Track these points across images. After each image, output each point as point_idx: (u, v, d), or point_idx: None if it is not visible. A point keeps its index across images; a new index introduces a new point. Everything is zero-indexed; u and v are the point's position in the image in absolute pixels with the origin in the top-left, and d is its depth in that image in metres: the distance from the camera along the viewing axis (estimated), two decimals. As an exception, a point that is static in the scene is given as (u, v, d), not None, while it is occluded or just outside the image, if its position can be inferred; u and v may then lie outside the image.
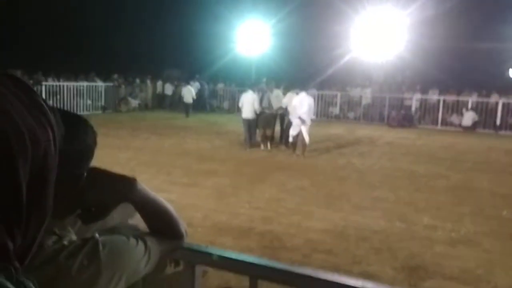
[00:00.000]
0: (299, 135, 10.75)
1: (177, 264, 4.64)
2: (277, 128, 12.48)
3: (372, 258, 4.94)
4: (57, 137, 0.61)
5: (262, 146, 11.65)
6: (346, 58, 18.03)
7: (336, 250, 5.09)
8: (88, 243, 0.90)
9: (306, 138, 10.70)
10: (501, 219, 6.31)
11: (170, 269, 4.84)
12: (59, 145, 0.62)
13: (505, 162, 10.68)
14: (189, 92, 19.14)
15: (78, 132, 0.92)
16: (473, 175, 9.09)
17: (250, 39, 20.55)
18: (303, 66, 19.78)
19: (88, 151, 0.95)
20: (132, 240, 0.99)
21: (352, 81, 20.62)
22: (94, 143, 0.97)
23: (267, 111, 11.91)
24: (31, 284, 0.51)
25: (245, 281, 3.75)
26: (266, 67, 19.97)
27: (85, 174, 0.95)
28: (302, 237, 5.47)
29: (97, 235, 0.93)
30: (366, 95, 19.57)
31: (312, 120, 11.06)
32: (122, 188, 1.00)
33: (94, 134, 0.98)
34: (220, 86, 22.97)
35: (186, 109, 19.07)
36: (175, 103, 21.98)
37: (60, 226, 0.92)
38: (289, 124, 11.24)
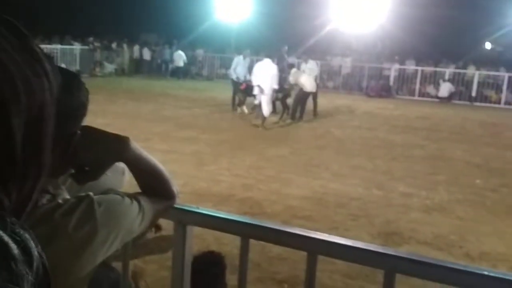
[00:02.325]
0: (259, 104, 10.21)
1: (158, 229, 4.62)
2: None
3: (349, 224, 5.06)
4: (53, 86, 0.57)
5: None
6: (328, 26, 17.88)
7: (315, 216, 5.19)
8: (83, 201, 0.89)
9: (265, 110, 10.01)
10: (474, 187, 6.52)
11: (151, 234, 4.83)
12: (57, 95, 0.59)
13: (479, 133, 10.94)
14: (180, 57, 19.90)
15: (71, 88, 0.90)
16: (448, 145, 9.30)
17: (231, 4, 20.16)
18: (285, 34, 19.54)
19: (82, 108, 0.92)
20: (127, 200, 0.99)
21: (332, 50, 20.52)
22: (87, 100, 0.95)
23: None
24: (27, 235, 0.47)
25: (225, 245, 3.79)
26: (247, 34, 19.67)
27: (79, 132, 0.93)
28: (282, 203, 5.55)
29: (91, 193, 0.92)
30: (346, 65, 19.55)
31: (276, 89, 10.42)
32: (116, 147, 0.98)
33: (87, 91, 0.95)
34: (199, 52, 22.57)
35: (178, 73, 20.08)
36: (153, 69, 21.67)
37: (54, 185, 0.91)
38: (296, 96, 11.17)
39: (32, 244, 0.47)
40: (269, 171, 6.82)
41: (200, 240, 3.92)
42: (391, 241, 4.67)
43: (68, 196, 0.93)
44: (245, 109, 11.79)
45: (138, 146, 1.04)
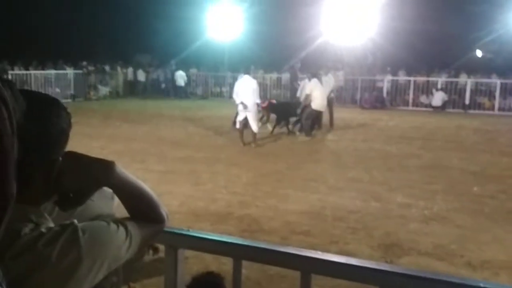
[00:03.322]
0: (246, 122, 9.93)
1: (155, 251, 4.57)
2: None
3: (349, 237, 5.02)
4: (13, 114, 0.54)
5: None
6: (319, 41, 18.03)
7: (313, 231, 5.14)
8: (67, 229, 0.87)
9: (254, 126, 9.82)
10: (471, 195, 6.50)
11: (148, 257, 4.77)
12: (19, 122, 0.56)
13: (474, 140, 10.97)
14: (181, 77, 20.86)
15: (50, 115, 0.88)
16: (443, 153, 9.31)
17: (222, 23, 20.35)
18: (276, 50, 19.72)
19: (62, 134, 0.91)
20: (113, 226, 0.97)
21: (324, 64, 20.65)
22: (69, 125, 0.94)
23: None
24: None
25: (224, 264, 3.74)
26: (239, 52, 19.82)
27: (61, 158, 0.92)
28: (279, 219, 5.50)
29: (75, 221, 0.91)
30: (339, 78, 19.65)
31: (258, 104, 10.31)
32: (100, 172, 0.96)
33: (68, 117, 0.94)
34: (193, 71, 22.69)
35: (180, 92, 20.98)
36: (147, 90, 21.81)
37: (37, 213, 0.89)
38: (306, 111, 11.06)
39: None
40: (266, 187, 6.79)
41: (198, 260, 3.87)
42: (391, 253, 4.63)
43: (52, 225, 0.91)
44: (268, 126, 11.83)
45: (124, 170, 1.02)
